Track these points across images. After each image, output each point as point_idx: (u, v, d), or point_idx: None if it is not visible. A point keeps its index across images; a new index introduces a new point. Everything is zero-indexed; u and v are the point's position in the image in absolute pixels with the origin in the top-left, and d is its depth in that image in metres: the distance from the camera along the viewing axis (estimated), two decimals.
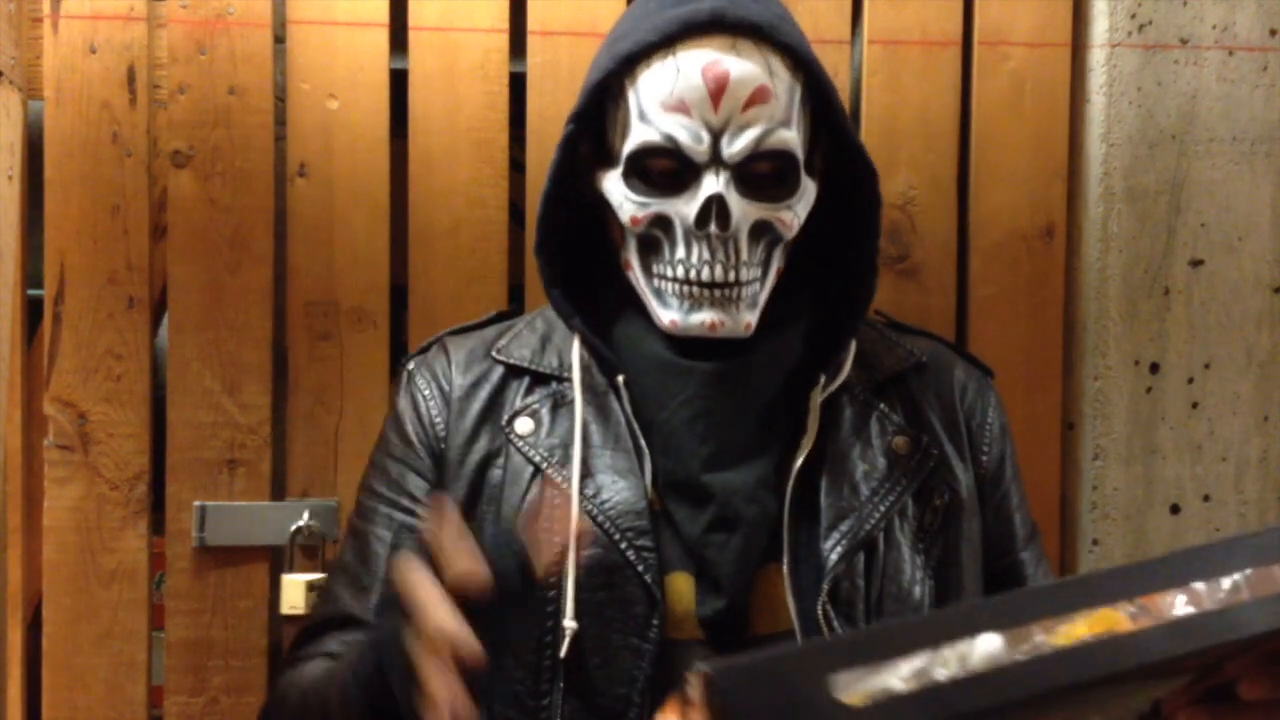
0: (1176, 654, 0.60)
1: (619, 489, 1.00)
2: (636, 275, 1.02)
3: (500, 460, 1.05)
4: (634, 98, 0.99)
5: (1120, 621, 0.61)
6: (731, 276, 0.98)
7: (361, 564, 1.09)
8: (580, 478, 1.01)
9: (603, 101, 1.03)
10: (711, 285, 0.98)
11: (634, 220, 1.00)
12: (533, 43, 1.62)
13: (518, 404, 1.07)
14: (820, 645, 0.58)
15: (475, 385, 1.09)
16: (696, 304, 0.98)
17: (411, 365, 1.14)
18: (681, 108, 0.96)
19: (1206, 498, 1.67)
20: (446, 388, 1.10)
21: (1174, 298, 1.65)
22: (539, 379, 1.08)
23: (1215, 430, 1.66)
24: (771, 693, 0.55)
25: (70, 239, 1.58)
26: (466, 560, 0.78)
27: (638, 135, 0.98)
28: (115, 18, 1.58)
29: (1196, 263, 1.66)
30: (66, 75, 1.58)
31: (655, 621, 0.97)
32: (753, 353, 1.02)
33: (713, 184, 0.96)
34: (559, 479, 1.02)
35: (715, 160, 0.97)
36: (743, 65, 0.96)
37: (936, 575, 1.03)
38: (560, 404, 1.06)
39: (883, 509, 1.01)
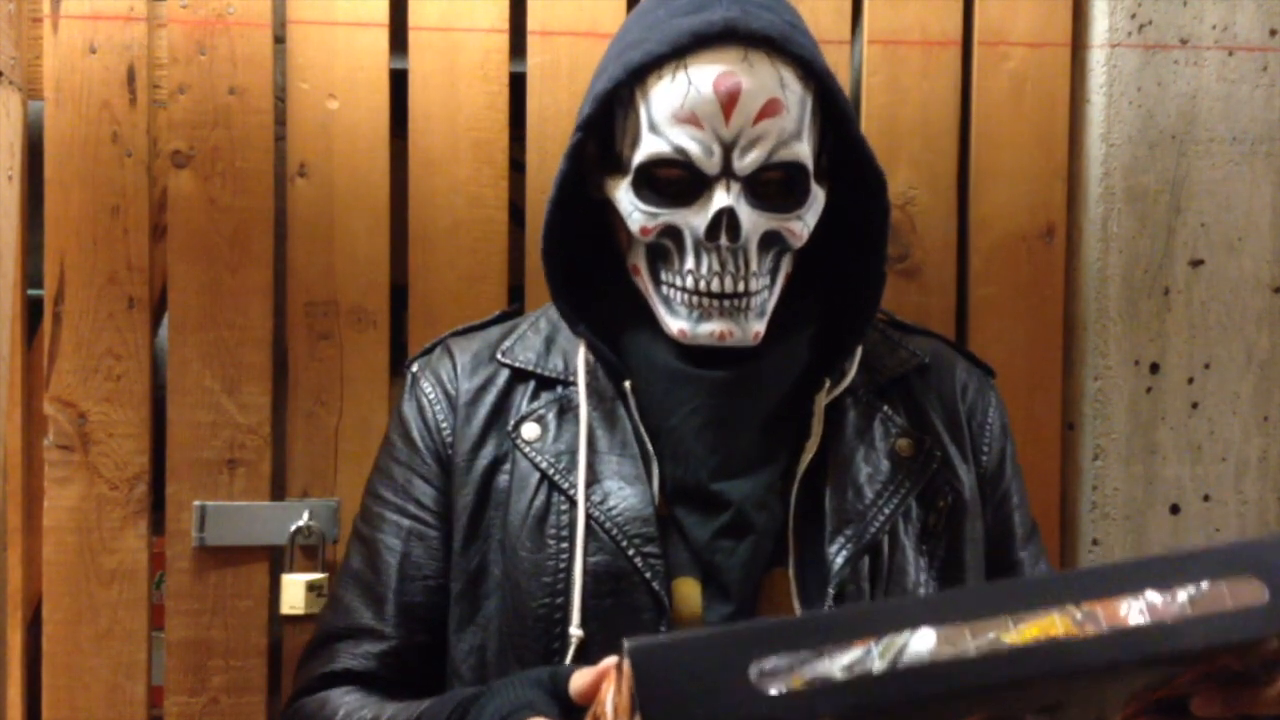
0: (1103, 663, 0.61)
1: (626, 496, 1.00)
2: (645, 282, 1.02)
3: (507, 466, 1.05)
4: (644, 108, 0.98)
5: (1063, 626, 0.61)
6: (741, 287, 0.98)
7: (372, 573, 1.08)
8: (587, 484, 1.01)
9: (610, 106, 1.02)
10: (721, 296, 0.98)
11: (644, 230, 1.00)
12: (533, 43, 1.62)
13: (524, 409, 1.07)
14: (745, 630, 0.59)
15: (481, 389, 1.09)
16: (706, 314, 0.99)
17: (415, 368, 1.14)
18: (693, 120, 0.96)
19: (1206, 498, 1.67)
20: (452, 392, 1.09)
21: (1174, 298, 1.65)
22: (545, 383, 1.08)
23: (1215, 430, 1.66)
24: (689, 672, 0.56)
25: (70, 239, 1.58)
26: None
27: (648, 146, 0.98)
28: (115, 18, 1.58)
29: (1196, 263, 1.66)
30: (66, 75, 1.58)
31: (662, 628, 0.97)
32: (760, 360, 1.02)
33: (724, 197, 0.96)
34: (565, 485, 1.02)
35: (726, 173, 0.97)
36: (755, 78, 0.96)
37: (941, 577, 1.03)
38: (567, 409, 1.06)
39: (887, 512, 1.01)
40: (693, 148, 0.96)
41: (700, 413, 1.01)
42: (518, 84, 1.64)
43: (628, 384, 1.04)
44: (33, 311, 1.64)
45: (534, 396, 1.07)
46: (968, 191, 1.68)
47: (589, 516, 1.00)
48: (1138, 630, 0.61)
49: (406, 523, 1.08)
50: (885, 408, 1.07)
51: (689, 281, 0.98)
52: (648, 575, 0.98)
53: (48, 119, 1.59)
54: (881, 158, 1.68)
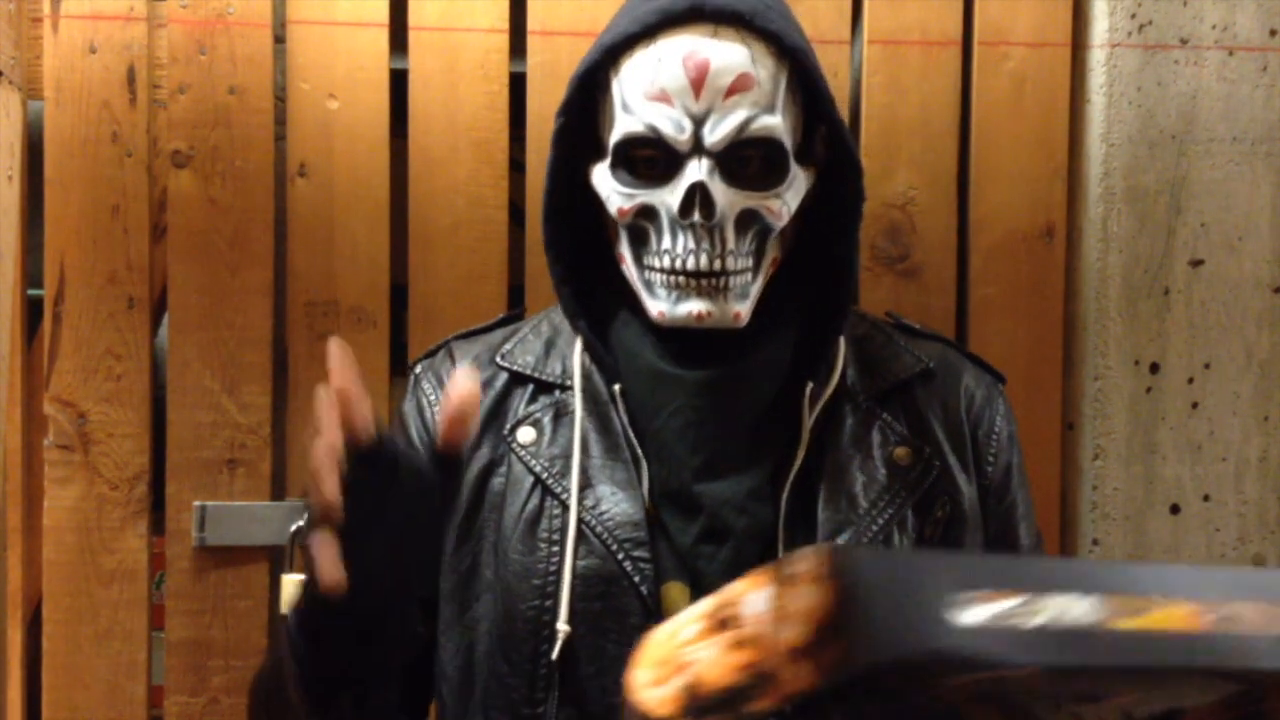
0: (1253, 666, 0.60)
1: (617, 500, 1.00)
2: (629, 268, 1.02)
3: (502, 469, 1.05)
4: (617, 89, 0.98)
5: (1197, 620, 0.60)
6: (718, 265, 0.97)
7: None
8: (580, 489, 1.01)
9: (594, 95, 1.03)
10: (698, 274, 0.97)
11: (621, 212, 0.99)
12: (533, 43, 1.62)
13: (520, 412, 1.07)
14: (947, 560, 0.58)
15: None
16: (684, 294, 0.97)
17: (419, 369, 1.14)
18: (663, 97, 0.95)
19: (1206, 498, 1.67)
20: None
21: (1174, 298, 1.65)
22: (542, 387, 1.07)
23: (1215, 430, 1.66)
24: (892, 585, 0.55)
25: (70, 239, 1.58)
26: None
27: (621, 126, 0.98)
28: (115, 18, 1.58)
29: (1196, 263, 1.66)
30: (66, 75, 1.58)
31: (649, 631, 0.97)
32: (744, 360, 1.01)
33: (695, 172, 0.95)
34: (558, 490, 1.02)
35: (698, 148, 0.96)
36: (723, 53, 0.95)
37: None
38: (563, 413, 1.05)
39: (881, 521, 1.00)
40: (663, 124, 0.96)
41: (682, 414, 1.00)
42: (518, 84, 1.64)
43: (617, 387, 1.04)
44: (33, 311, 1.64)
45: (531, 400, 1.07)
46: (968, 191, 1.68)
47: (581, 520, 1.00)
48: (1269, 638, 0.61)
49: None
50: (885, 414, 1.05)
51: (666, 261, 0.98)
52: (636, 579, 0.97)
53: (48, 119, 1.59)
54: (881, 158, 1.70)
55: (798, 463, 1.00)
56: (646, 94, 0.96)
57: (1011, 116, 1.67)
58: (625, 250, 1.01)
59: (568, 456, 1.03)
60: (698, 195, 0.95)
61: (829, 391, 1.04)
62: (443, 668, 1.05)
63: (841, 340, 1.07)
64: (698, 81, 0.95)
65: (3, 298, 1.54)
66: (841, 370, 1.06)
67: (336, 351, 0.77)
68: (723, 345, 1.01)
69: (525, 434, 1.05)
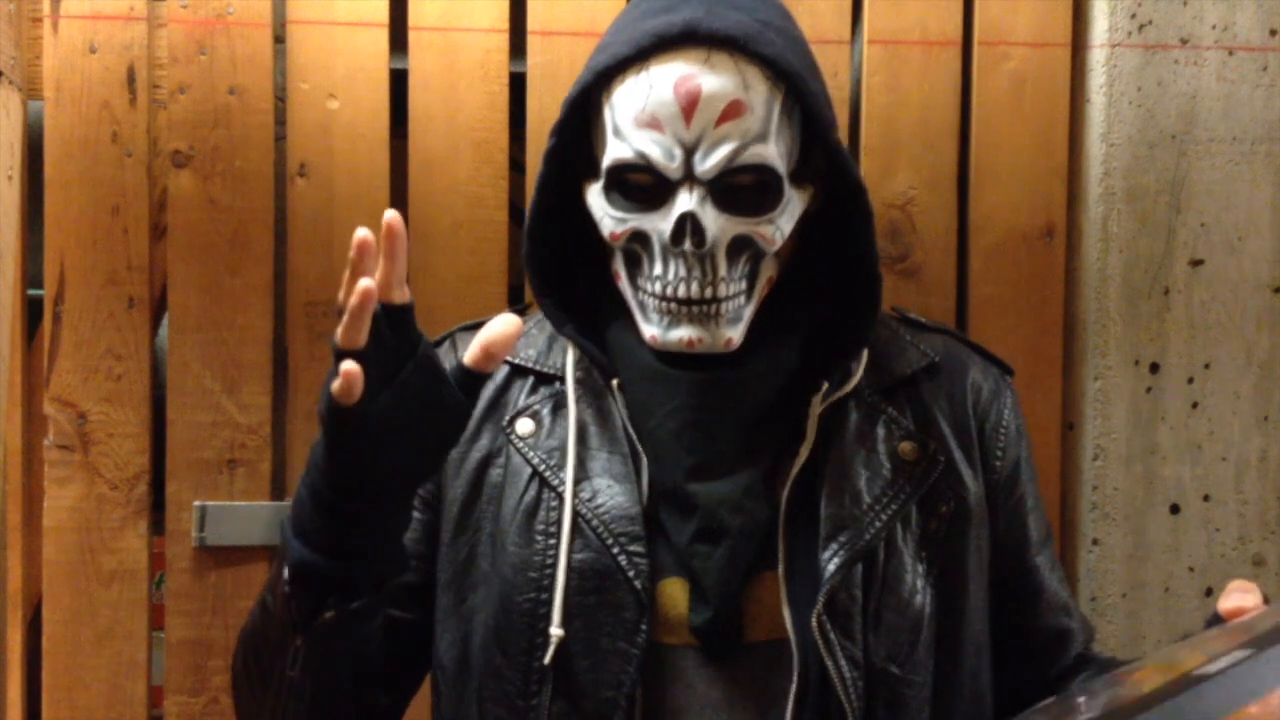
0: None
1: (614, 494, 1.00)
2: (624, 285, 1.01)
3: (501, 460, 1.05)
4: (609, 112, 0.97)
5: None
6: (709, 293, 0.96)
7: None
8: (577, 481, 1.01)
9: (587, 113, 1.02)
10: (689, 302, 0.96)
11: (613, 236, 0.99)
12: (533, 43, 1.62)
13: (520, 404, 1.07)
14: None
15: None
16: (675, 320, 0.97)
17: None
18: (654, 123, 0.94)
19: (1206, 498, 1.67)
20: None
21: (1174, 298, 1.65)
22: (543, 379, 1.08)
23: (1215, 430, 1.66)
24: None
25: (70, 239, 1.58)
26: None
27: (613, 151, 0.97)
28: (115, 18, 1.58)
29: (1196, 263, 1.66)
30: (66, 75, 1.58)
31: (644, 627, 0.96)
32: (742, 365, 1.01)
33: (686, 201, 0.94)
34: (555, 482, 1.02)
35: (689, 176, 0.95)
36: (716, 80, 0.94)
37: (939, 585, 1.01)
38: (561, 405, 1.05)
39: (884, 518, 1.00)
40: (654, 151, 0.95)
41: (678, 414, 1.00)
42: (518, 84, 1.64)
43: (615, 382, 1.04)
44: (33, 311, 1.64)
45: (531, 392, 1.07)
46: (968, 191, 1.68)
47: (577, 513, 1.00)
48: None
49: None
50: (890, 409, 1.05)
51: (657, 287, 0.97)
52: (631, 574, 0.97)
53: (48, 119, 1.59)
54: (881, 158, 1.70)
55: (800, 459, 1.00)
56: (638, 120, 0.95)
57: (1011, 116, 1.67)
58: (620, 268, 1.01)
59: (566, 449, 1.03)
60: (688, 224, 0.94)
61: (842, 393, 1.04)
62: (439, 658, 1.05)
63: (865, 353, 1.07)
64: (689, 109, 0.94)
65: (3, 298, 1.54)
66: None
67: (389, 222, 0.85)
68: (712, 363, 1.01)
69: (524, 425, 1.05)
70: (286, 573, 0.91)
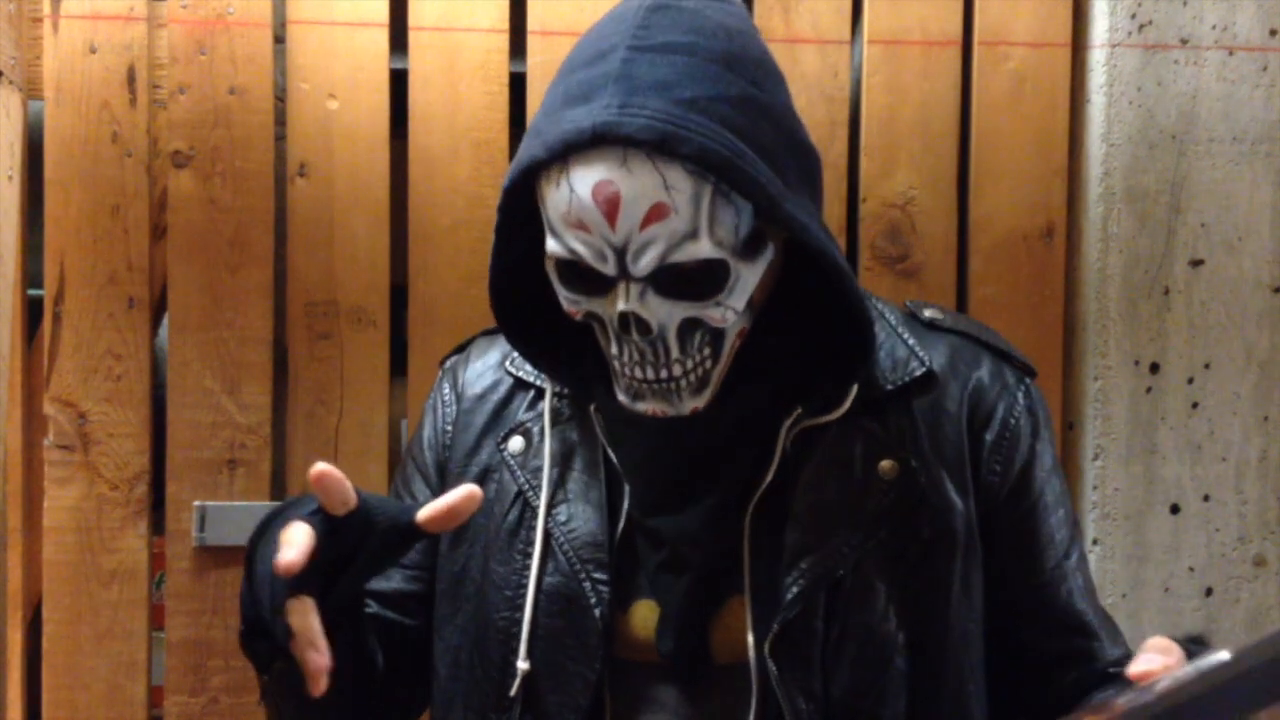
0: None
1: (586, 519, 1.00)
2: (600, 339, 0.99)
3: (496, 476, 1.05)
4: (542, 207, 0.94)
5: None
6: (664, 374, 0.93)
7: None
8: (555, 503, 1.01)
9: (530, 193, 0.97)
10: (646, 382, 0.94)
11: (571, 314, 0.96)
12: (533, 43, 1.62)
13: (518, 419, 1.06)
14: None
15: (483, 397, 1.09)
16: (638, 394, 0.95)
17: (447, 364, 1.15)
18: (581, 226, 0.90)
19: (1206, 498, 1.67)
20: (461, 396, 1.10)
21: (1174, 298, 1.65)
22: (542, 395, 1.06)
23: (1215, 430, 1.66)
24: None
25: (70, 239, 1.58)
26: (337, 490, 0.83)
27: (550, 246, 0.93)
28: (115, 18, 1.58)
29: (1196, 263, 1.66)
30: (66, 75, 1.58)
31: (602, 654, 0.96)
32: (710, 407, 0.96)
33: (623, 301, 0.91)
34: (536, 503, 1.01)
35: (624, 275, 0.90)
36: (634, 184, 0.88)
37: (915, 612, 0.97)
38: (556, 422, 1.04)
39: (854, 541, 0.96)
40: (584, 252, 0.91)
41: (639, 448, 0.98)
42: (518, 84, 1.64)
43: (592, 407, 1.02)
44: (33, 311, 1.64)
45: (530, 407, 1.06)
46: (968, 191, 1.68)
47: (550, 535, 0.99)
48: None
49: None
50: (873, 425, 0.99)
51: (617, 365, 0.95)
52: (593, 601, 0.97)
53: (48, 119, 1.59)
54: (881, 158, 1.70)
55: (763, 485, 0.97)
56: (565, 221, 0.91)
57: (1011, 116, 1.67)
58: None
59: (550, 470, 1.02)
60: (631, 319, 0.91)
61: (817, 421, 0.99)
62: (434, 666, 1.06)
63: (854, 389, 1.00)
64: (610, 214, 0.89)
65: (3, 298, 1.54)
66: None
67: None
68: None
69: (515, 443, 1.05)
70: (241, 623, 0.91)
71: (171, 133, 1.59)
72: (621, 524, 1.00)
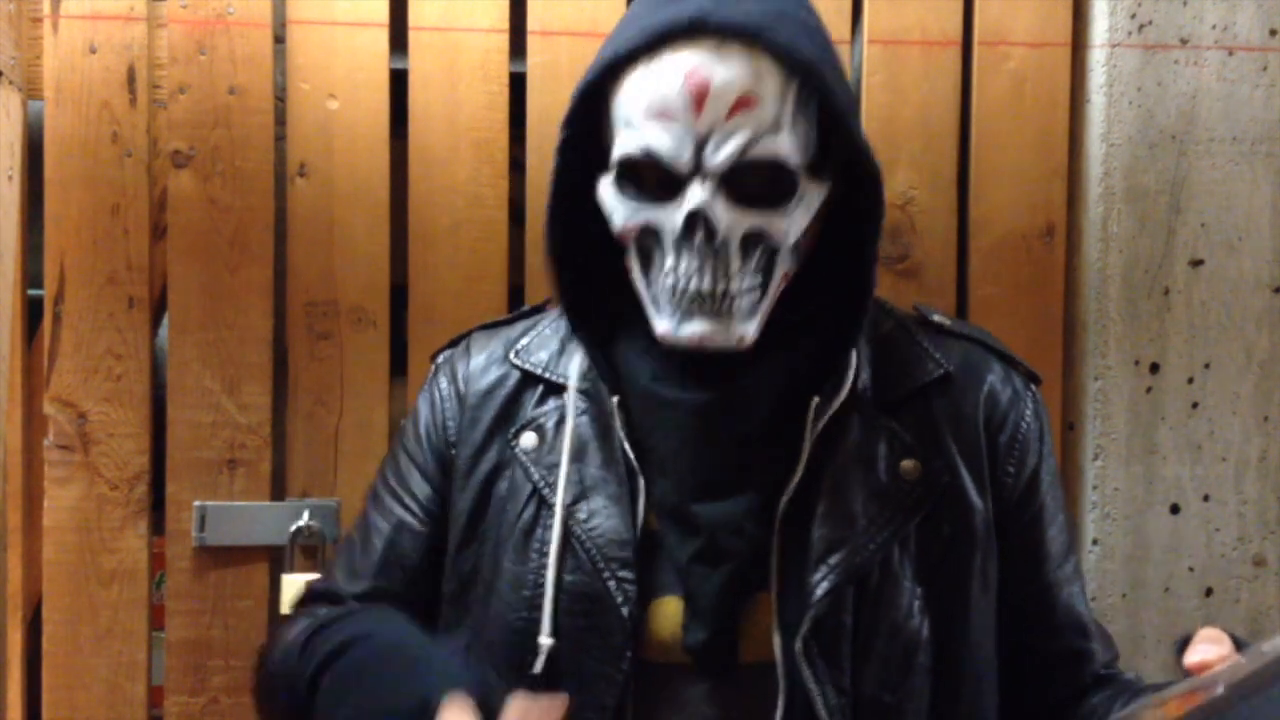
0: None
1: (608, 515, 0.99)
2: (637, 280, 0.99)
3: (507, 473, 1.04)
4: (619, 105, 0.95)
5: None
6: (721, 287, 0.93)
7: (361, 548, 1.09)
8: (575, 500, 1.00)
9: (596, 103, 0.99)
10: (701, 296, 0.94)
11: (625, 229, 0.96)
12: (533, 43, 1.62)
13: (528, 415, 1.05)
14: None
15: (489, 393, 1.07)
16: (688, 315, 0.94)
17: (440, 359, 1.14)
18: (664, 115, 0.92)
19: (1206, 498, 1.67)
20: (463, 391, 1.08)
21: (1174, 298, 1.65)
22: (552, 389, 1.05)
23: (1215, 430, 1.66)
24: None
25: (70, 239, 1.58)
26: None
27: (622, 144, 0.95)
28: (115, 18, 1.58)
29: (1196, 263, 1.66)
30: (66, 75, 1.58)
31: (629, 654, 0.96)
32: (742, 382, 0.98)
33: (696, 195, 0.92)
34: (553, 500, 1.00)
35: (699, 170, 0.92)
36: (726, 71, 0.90)
37: (938, 609, 0.98)
38: (565, 420, 1.03)
39: (880, 539, 0.97)
40: (664, 145, 0.92)
41: (678, 433, 0.98)
42: (518, 84, 1.64)
43: (615, 400, 1.01)
44: (33, 311, 1.64)
45: (540, 402, 1.05)
46: (968, 191, 1.68)
47: (570, 533, 0.98)
48: None
49: (399, 511, 1.08)
50: (894, 424, 1.01)
51: (670, 281, 0.94)
52: (619, 600, 0.96)
53: (48, 119, 1.59)
54: (881, 158, 1.67)
55: (794, 481, 0.97)
56: (647, 112, 0.92)
57: (1011, 116, 1.67)
58: (634, 263, 0.98)
59: (565, 466, 1.01)
60: (699, 218, 0.92)
61: (835, 406, 1.00)
62: None
63: (854, 352, 1.02)
64: (698, 101, 0.91)
65: (3, 298, 1.54)
66: (854, 378, 1.02)
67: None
68: (720, 367, 0.98)
69: (527, 439, 1.04)
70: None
71: (171, 133, 1.59)
72: (641, 521, 0.99)
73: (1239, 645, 0.81)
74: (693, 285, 0.94)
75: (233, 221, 1.60)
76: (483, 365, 1.09)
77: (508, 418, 1.06)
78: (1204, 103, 1.65)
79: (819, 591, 0.95)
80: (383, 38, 1.61)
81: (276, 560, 1.61)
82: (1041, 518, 1.06)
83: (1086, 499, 1.66)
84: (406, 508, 1.08)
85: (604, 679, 0.96)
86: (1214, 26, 1.64)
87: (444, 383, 1.10)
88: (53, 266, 1.59)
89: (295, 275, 1.61)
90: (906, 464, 1.00)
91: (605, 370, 1.03)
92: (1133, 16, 1.63)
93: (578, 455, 1.02)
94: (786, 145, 0.93)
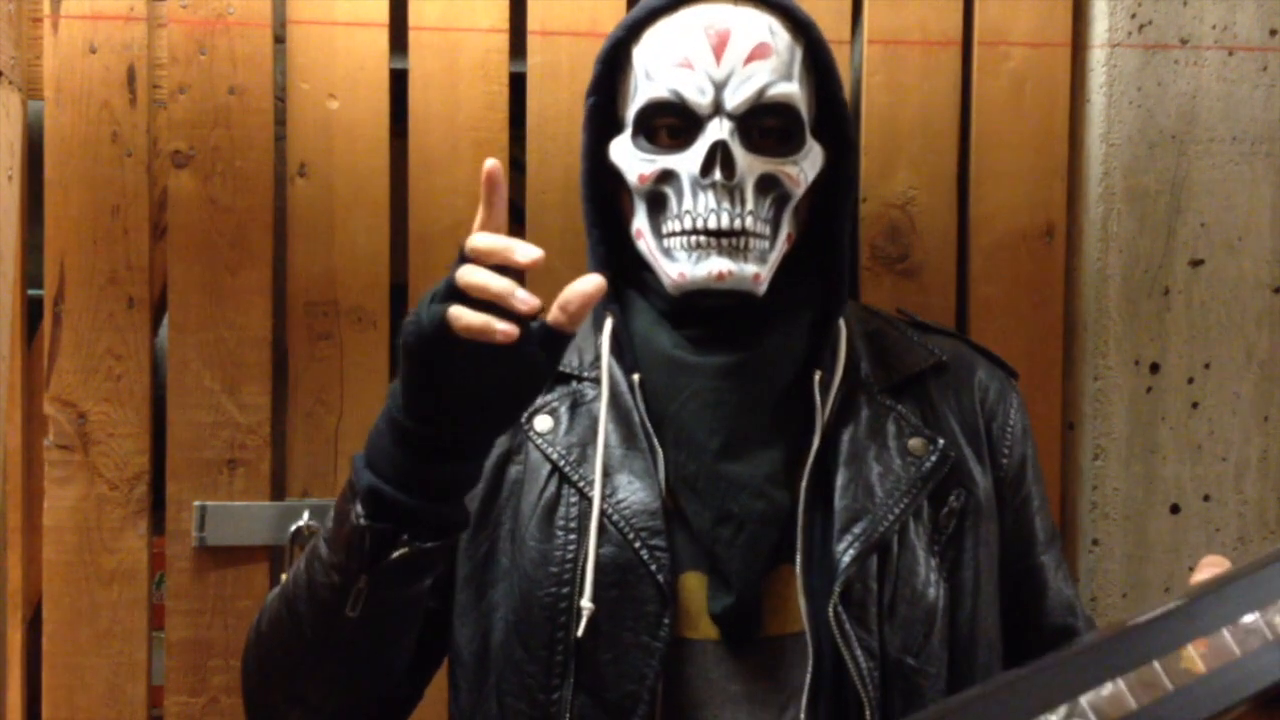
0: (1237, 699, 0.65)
1: (635, 489, 1.01)
2: (647, 240, 1.03)
3: (520, 457, 1.06)
4: (640, 59, 1.03)
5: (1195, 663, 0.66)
6: (738, 224, 0.99)
7: None
8: (600, 477, 1.02)
9: (614, 77, 1.07)
10: (719, 233, 0.99)
11: (641, 178, 1.02)
12: (533, 43, 1.62)
13: (537, 402, 1.07)
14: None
15: None
16: (704, 253, 0.99)
17: None
18: (685, 63, 1.00)
19: (1206, 498, 1.67)
20: None
21: (1174, 298, 1.65)
22: (559, 377, 1.08)
23: (1215, 430, 1.66)
24: None
25: (70, 239, 1.58)
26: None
27: (644, 93, 1.02)
28: (115, 18, 1.58)
29: (1196, 263, 1.66)
30: (66, 75, 1.58)
31: (666, 620, 0.98)
32: (760, 344, 1.03)
33: (717, 131, 0.99)
34: (575, 478, 1.03)
35: (719, 110, 1.00)
36: (743, 21, 1.00)
37: (951, 578, 1.03)
38: (580, 403, 1.07)
39: (897, 511, 1.01)
40: (686, 88, 1.00)
41: (701, 396, 1.01)
42: (518, 84, 1.64)
43: (636, 377, 1.05)
44: (33, 311, 1.64)
45: (548, 389, 1.08)
46: (968, 191, 1.68)
47: (599, 510, 1.01)
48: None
49: None
50: (900, 407, 1.07)
51: (686, 222, 1.00)
52: (653, 568, 0.98)
53: (48, 119, 1.59)
54: (881, 158, 1.70)
55: (815, 447, 1.02)
56: (669, 61, 1.00)
57: (1011, 116, 1.67)
58: (643, 222, 1.03)
59: (585, 445, 1.04)
60: (719, 154, 0.98)
61: (838, 378, 1.05)
62: (459, 652, 1.06)
63: (843, 326, 1.08)
64: (719, 48, 0.99)
65: (3, 298, 1.54)
66: (853, 362, 1.08)
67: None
68: (737, 331, 1.03)
69: (542, 422, 1.06)
70: (359, 506, 0.89)
71: (171, 133, 1.59)
72: (662, 496, 1.01)
73: None
74: (710, 223, 0.99)
75: (233, 221, 1.60)
76: None
77: None
78: (1204, 103, 1.65)
79: (846, 559, 0.98)
80: (383, 38, 1.61)
81: (276, 560, 1.61)
82: (1030, 503, 1.12)
83: (1086, 499, 1.66)
84: None
85: (641, 648, 0.98)
86: (1214, 26, 1.64)
87: None
88: (53, 266, 1.59)
89: (295, 275, 1.61)
90: (914, 442, 1.05)
91: (629, 345, 1.07)
92: (1133, 16, 1.63)
93: (597, 436, 1.04)
94: (797, 93, 1.02)
